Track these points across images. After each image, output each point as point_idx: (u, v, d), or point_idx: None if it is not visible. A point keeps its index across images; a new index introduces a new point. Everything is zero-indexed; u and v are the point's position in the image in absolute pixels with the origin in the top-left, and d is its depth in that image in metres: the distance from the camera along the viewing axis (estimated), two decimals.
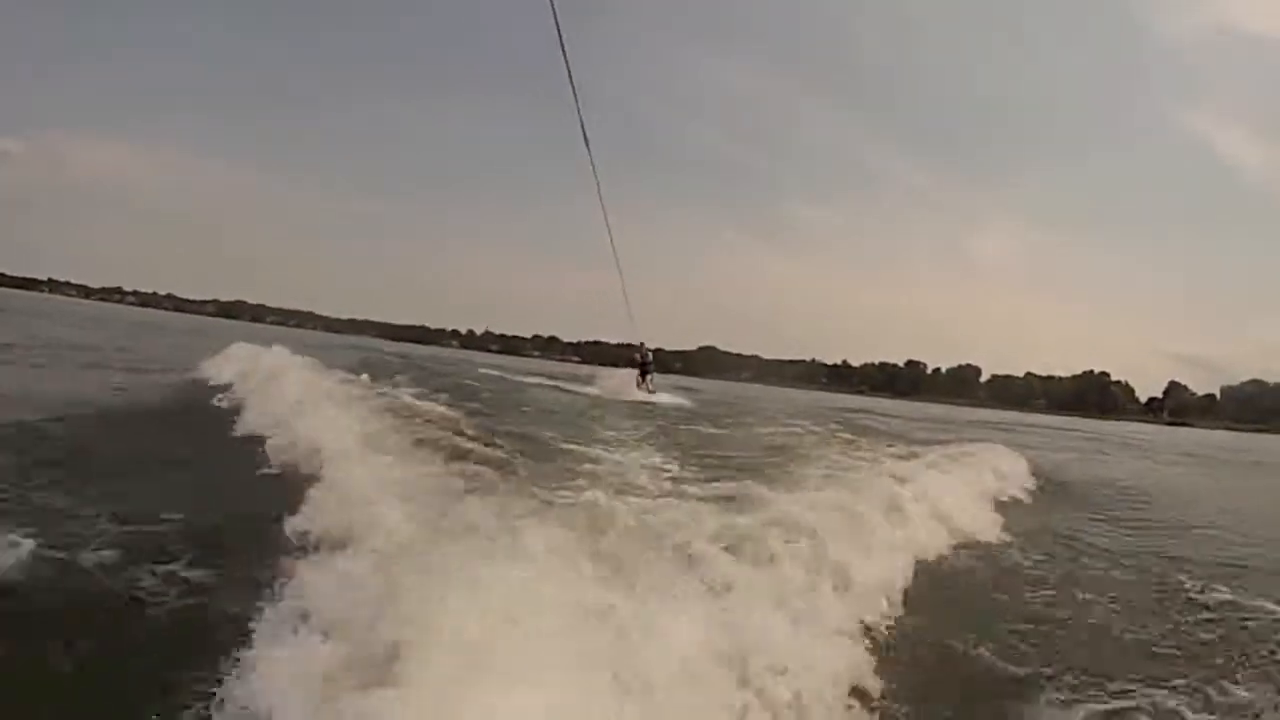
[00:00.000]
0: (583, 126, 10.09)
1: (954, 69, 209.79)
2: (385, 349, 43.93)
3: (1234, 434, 65.68)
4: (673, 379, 44.41)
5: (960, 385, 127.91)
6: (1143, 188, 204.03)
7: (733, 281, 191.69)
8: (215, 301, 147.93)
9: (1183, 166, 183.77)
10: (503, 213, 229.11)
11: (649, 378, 27.51)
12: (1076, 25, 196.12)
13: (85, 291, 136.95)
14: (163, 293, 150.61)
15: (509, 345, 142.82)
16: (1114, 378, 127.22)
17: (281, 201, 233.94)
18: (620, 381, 26.83)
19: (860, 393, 79.66)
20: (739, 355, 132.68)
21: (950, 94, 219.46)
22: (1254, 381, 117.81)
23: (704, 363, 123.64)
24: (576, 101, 9.19)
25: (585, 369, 42.44)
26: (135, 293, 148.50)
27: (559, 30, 7.48)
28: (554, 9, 7.25)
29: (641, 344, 28.34)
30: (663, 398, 25.18)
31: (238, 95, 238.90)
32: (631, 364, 28.82)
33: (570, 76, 8.51)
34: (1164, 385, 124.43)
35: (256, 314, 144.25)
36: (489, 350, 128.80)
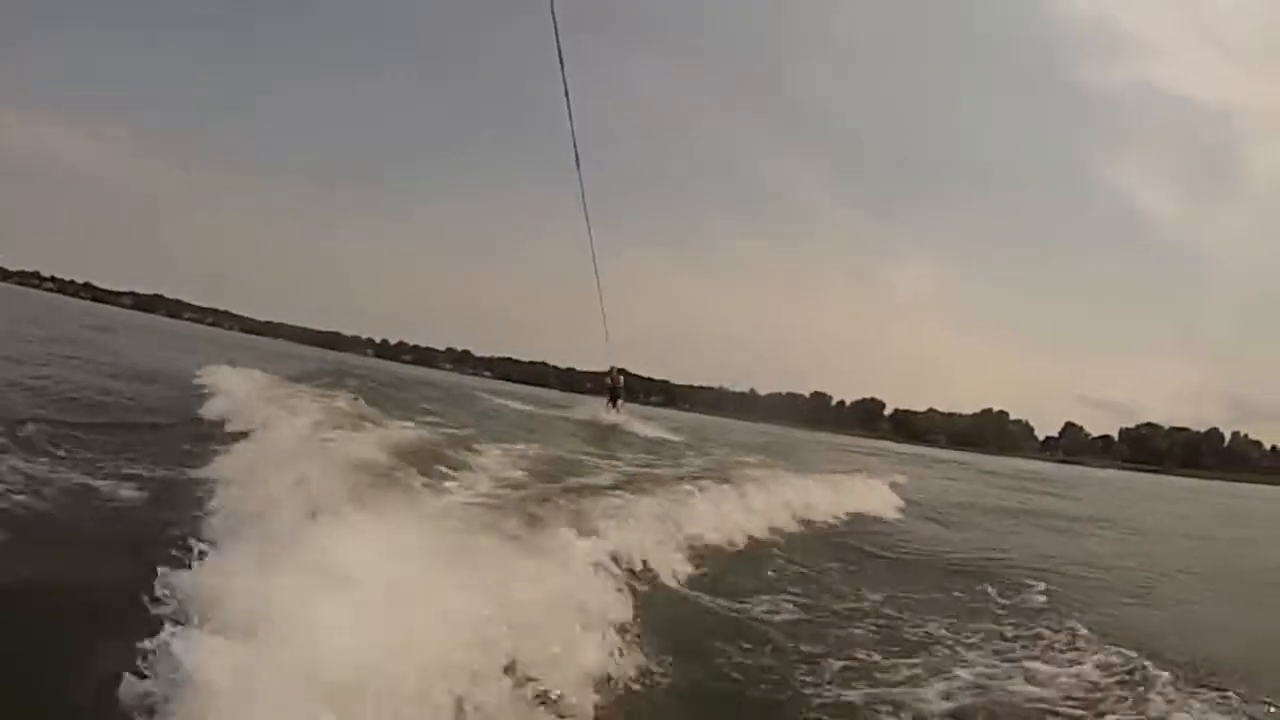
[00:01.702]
0: (576, 152, 10.89)
1: (876, 109, 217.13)
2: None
3: (1085, 469, 71.56)
4: (584, 398, 45.41)
5: (864, 418, 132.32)
6: (1059, 236, 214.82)
7: (641, 304, 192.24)
8: (133, 294, 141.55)
9: (1100, 216, 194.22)
10: (411, 217, 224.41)
11: (619, 403, 27.20)
12: (1002, 73, 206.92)
13: (3, 274, 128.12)
14: (80, 281, 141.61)
15: (421, 357, 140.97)
16: (1013, 417, 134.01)
17: (201, 195, 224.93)
18: None
19: (766, 420, 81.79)
20: (648, 379, 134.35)
21: (869, 133, 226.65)
22: (1147, 424, 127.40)
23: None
24: (571, 124, 10.02)
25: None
26: (53, 279, 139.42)
27: (560, 55, 8.39)
28: (556, 34, 8.16)
29: (612, 368, 27.61)
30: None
31: (161, 80, 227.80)
32: (602, 388, 28.42)
33: (567, 94, 9.37)
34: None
35: (173, 310, 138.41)
36: (402, 360, 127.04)
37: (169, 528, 5.62)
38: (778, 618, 6.75)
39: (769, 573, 8.28)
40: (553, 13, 8.08)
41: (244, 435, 9.57)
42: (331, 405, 11.68)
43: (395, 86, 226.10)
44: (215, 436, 10.09)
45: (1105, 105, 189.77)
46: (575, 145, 11.02)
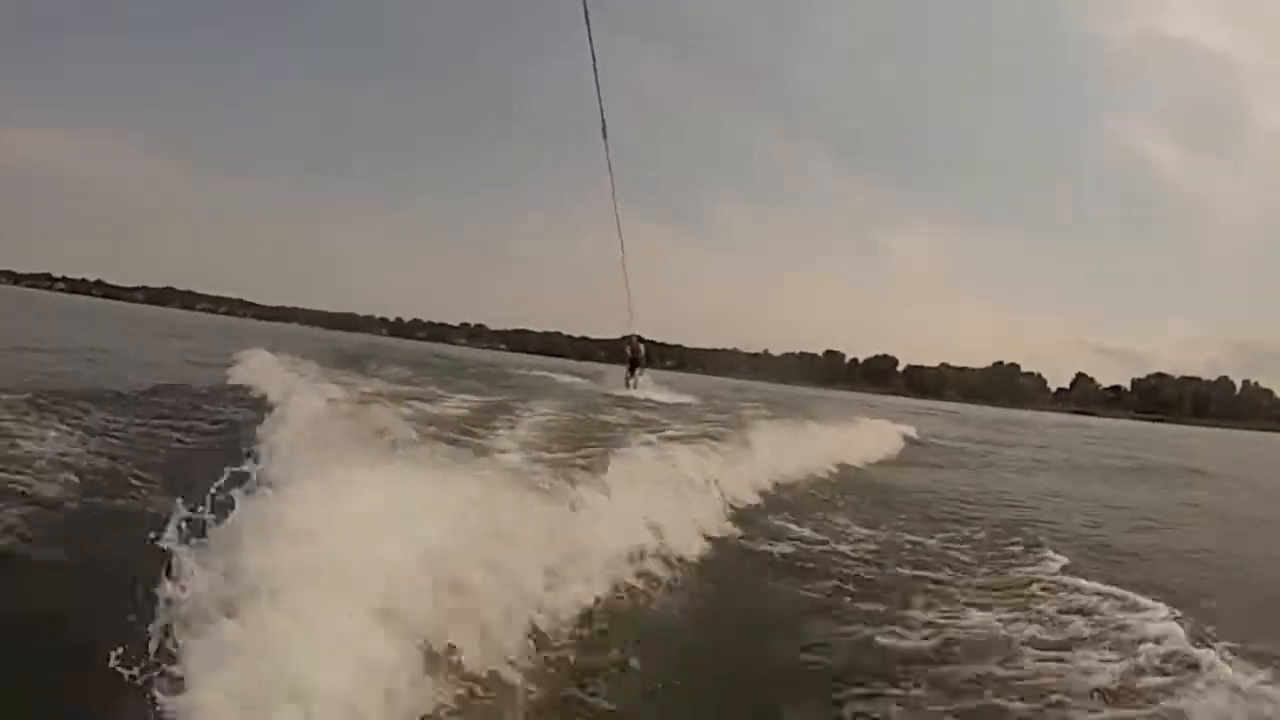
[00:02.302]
0: (603, 123, 11.83)
1: (878, 83, 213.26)
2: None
3: (1088, 419, 72.86)
4: (601, 367, 46.49)
5: (877, 375, 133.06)
6: (1066, 190, 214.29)
7: (649, 279, 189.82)
8: (144, 289, 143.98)
9: (1107, 170, 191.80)
10: (412, 217, 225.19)
11: (639, 372, 25.92)
12: (1003, 30, 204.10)
13: (14, 278, 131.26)
14: (91, 279, 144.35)
15: (436, 333, 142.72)
16: (1025, 369, 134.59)
17: (205, 185, 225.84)
18: None
19: (781, 381, 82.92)
20: (663, 344, 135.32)
21: (873, 98, 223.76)
22: (1157, 374, 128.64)
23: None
24: (600, 103, 10.87)
25: None
26: (64, 279, 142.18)
27: (590, 38, 9.17)
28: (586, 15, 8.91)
29: (632, 336, 26.01)
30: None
31: (162, 79, 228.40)
32: (617, 356, 27.71)
33: (596, 77, 10.12)
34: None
35: (186, 301, 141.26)
36: (417, 338, 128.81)
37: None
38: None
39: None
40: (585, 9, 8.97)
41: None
42: (396, 381, 13.15)
43: (394, 86, 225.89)
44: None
45: (1111, 58, 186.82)
46: (604, 123, 12.15)
